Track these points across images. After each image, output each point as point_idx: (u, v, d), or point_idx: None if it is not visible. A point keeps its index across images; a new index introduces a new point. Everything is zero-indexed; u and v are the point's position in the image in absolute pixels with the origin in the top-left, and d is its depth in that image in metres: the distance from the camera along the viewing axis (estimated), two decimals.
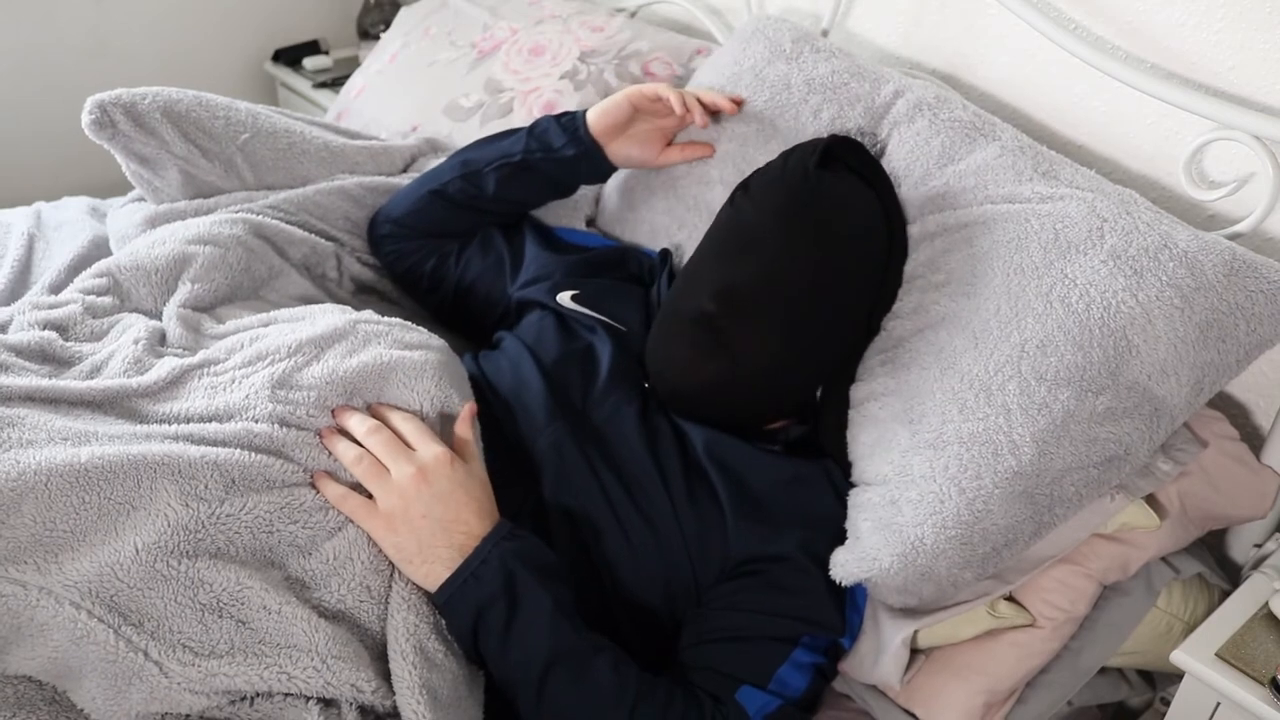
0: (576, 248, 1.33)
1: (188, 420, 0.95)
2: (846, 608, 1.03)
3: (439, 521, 0.92)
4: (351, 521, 0.93)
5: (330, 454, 0.95)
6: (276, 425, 0.94)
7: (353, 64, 2.21)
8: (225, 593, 0.85)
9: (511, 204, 1.34)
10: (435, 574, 0.92)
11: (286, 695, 0.85)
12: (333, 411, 0.97)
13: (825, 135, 1.14)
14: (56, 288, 1.29)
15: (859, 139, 1.17)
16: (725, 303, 1.05)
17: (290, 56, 2.36)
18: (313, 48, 2.38)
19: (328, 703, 0.86)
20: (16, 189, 1.93)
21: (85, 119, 1.26)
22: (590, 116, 1.27)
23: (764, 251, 1.06)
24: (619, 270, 1.28)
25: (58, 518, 0.82)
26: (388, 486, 0.93)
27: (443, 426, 1.00)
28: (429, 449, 0.95)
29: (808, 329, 1.06)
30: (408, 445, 0.96)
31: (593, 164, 1.29)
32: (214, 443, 0.91)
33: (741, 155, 1.30)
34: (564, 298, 1.20)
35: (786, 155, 1.12)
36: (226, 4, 2.29)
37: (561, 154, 1.27)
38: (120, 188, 1.52)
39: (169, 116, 1.30)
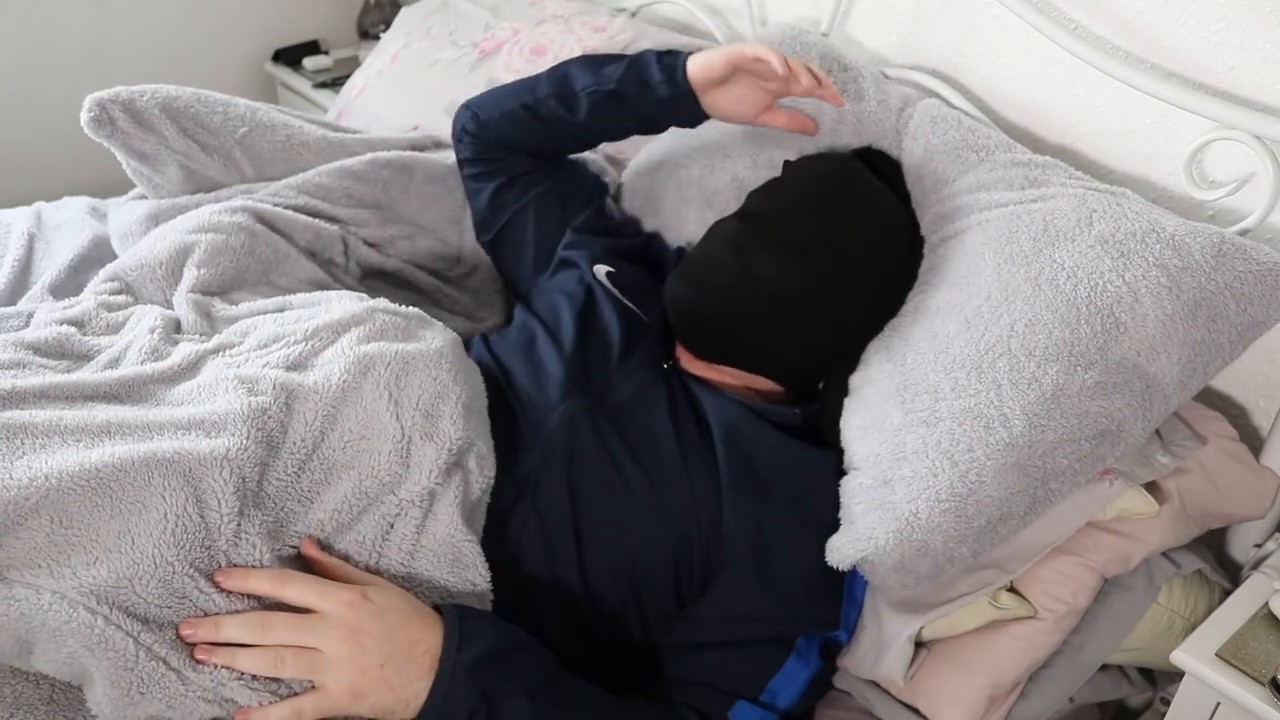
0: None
1: (199, 401, 0.93)
2: (844, 601, 1.03)
3: (397, 658, 0.85)
4: None
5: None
6: (284, 400, 0.93)
7: (353, 64, 2.21)
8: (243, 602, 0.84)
9: (598, 133, 1.32)
10: (421, 704, 0.86)
11: None
12: (180, 634, 0.82)
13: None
14: (57, 287, 1.29)
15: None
16: (749, 220, 1.11)
17: (290, 56, 2.36)
18: (313, 48, 2.38)
19: None
20: (16, 189, 1.93)
21: (84, 117, 1.26)
22: (690, 64, 1.22)
23: (795, 195, 1.13)
24: (651, 266, 1.31)
25: (72, 520, 0.81)
26: (327, 665, 0.83)
27: (465, 418, 0.98)
28: (333, 600, 0.85)
29: (821, 277, 1.09)
30: (306, 610, 0.85)
31: (684, 109, 1.25)
32: (224, 431, 0.89)
33: None
34: (600, 270, 1.22)
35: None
36: (226, 4, 2.29)
37: (655, 93, 1.23)
38: (120, 187, 1.51)
39: (167, 113, 1.30)
